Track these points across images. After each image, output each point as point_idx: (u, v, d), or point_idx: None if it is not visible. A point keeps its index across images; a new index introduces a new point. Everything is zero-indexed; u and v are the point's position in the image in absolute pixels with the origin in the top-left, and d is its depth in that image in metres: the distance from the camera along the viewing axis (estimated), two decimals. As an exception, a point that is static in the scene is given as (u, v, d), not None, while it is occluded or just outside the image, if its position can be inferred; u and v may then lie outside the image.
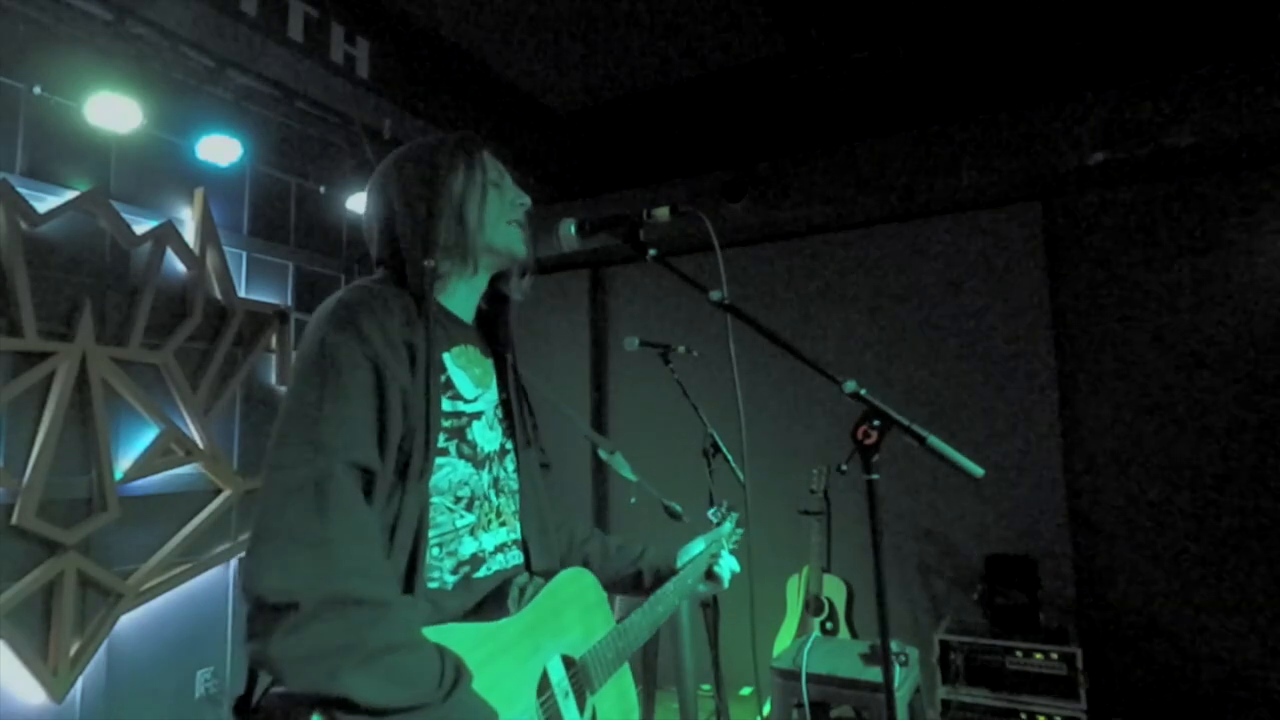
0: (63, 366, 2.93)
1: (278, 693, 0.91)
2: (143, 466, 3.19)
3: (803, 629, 3.44)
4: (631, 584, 1.48)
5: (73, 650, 2.92)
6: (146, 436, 3.25)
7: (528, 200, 1.25)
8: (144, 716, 3.21)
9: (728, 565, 1.57)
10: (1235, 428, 3.39)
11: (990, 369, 3.83)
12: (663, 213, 1.25)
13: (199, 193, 3.50)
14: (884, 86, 3.74)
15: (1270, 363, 3.34)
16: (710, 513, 1.74)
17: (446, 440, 1.09)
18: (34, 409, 2.90)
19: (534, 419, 1.36)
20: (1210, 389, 3.44)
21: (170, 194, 3.44)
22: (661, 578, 1.46)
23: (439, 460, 1.07)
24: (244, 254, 3.76)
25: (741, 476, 1.48)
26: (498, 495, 1.18)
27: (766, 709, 2.64)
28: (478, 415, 1.17)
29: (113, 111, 2.89)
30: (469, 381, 1.17)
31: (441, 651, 0.91)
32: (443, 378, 1.11)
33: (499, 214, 1.20)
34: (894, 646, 2.47)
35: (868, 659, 2.54)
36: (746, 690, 4.04)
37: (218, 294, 3.56)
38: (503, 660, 1.04)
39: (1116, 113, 3.31)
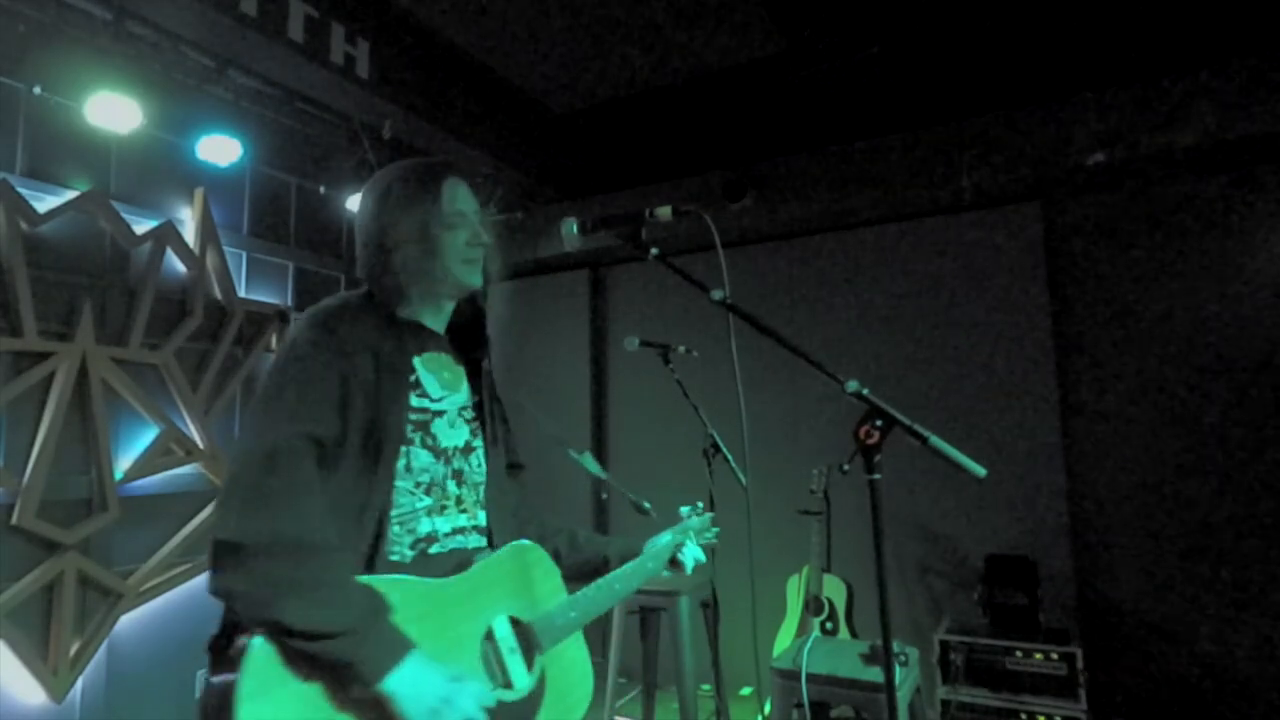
0: (63, 366, 2.93)
1: (231, 620, 1.06)
2: (143, 466, 3.19)
3: (803, 629, 3.44)
4: (599, 570, 1.58)
5: (73, 650, 2.92)
6: (146, 436, 3.25)
7: (488, 240, 1.35)
8: (144, 716, 3.21)
9: (691, 554, 1.69)
10: (1235, 427, 3.39)
11: (990, 369, 3.83)
12: (665, 212, 1.25)
13: (199, 193, 3.50)
14: (884, 86, 3.74)
15: (1270, 362, 3.34)
16: (683, 509, 1.81)
17: (413, 432, 1.24)
18: (34, 409, 2.90)
19: (506, 425, 1.51)
20: (1210, 388, 3.45)
21: (170, 194, 3.44)
22: (626, 563, 1.59)
23: (404, 448, 1.22)
24: (244, 254, 3.76)
25: (742, 476, 1.50)
26: (459, 485, 1.32)
27: (766, 709, 2.64)
28: (440, 414, 1.31)
29: (113, 111, 2.89)
30: (436, 384, 1.31)
31: (368, 589, 1.06)
32: (412, 378, 1.27)
33: (455, 250, 1.31)
34: (894, 646, 2.47)
35: (868, 659, 2.54)
36: (746, 690, 4.04)
37: (218, 294, 3.56)
38: (448, 613, 1.18)
39: (1116, 113, 3.31)
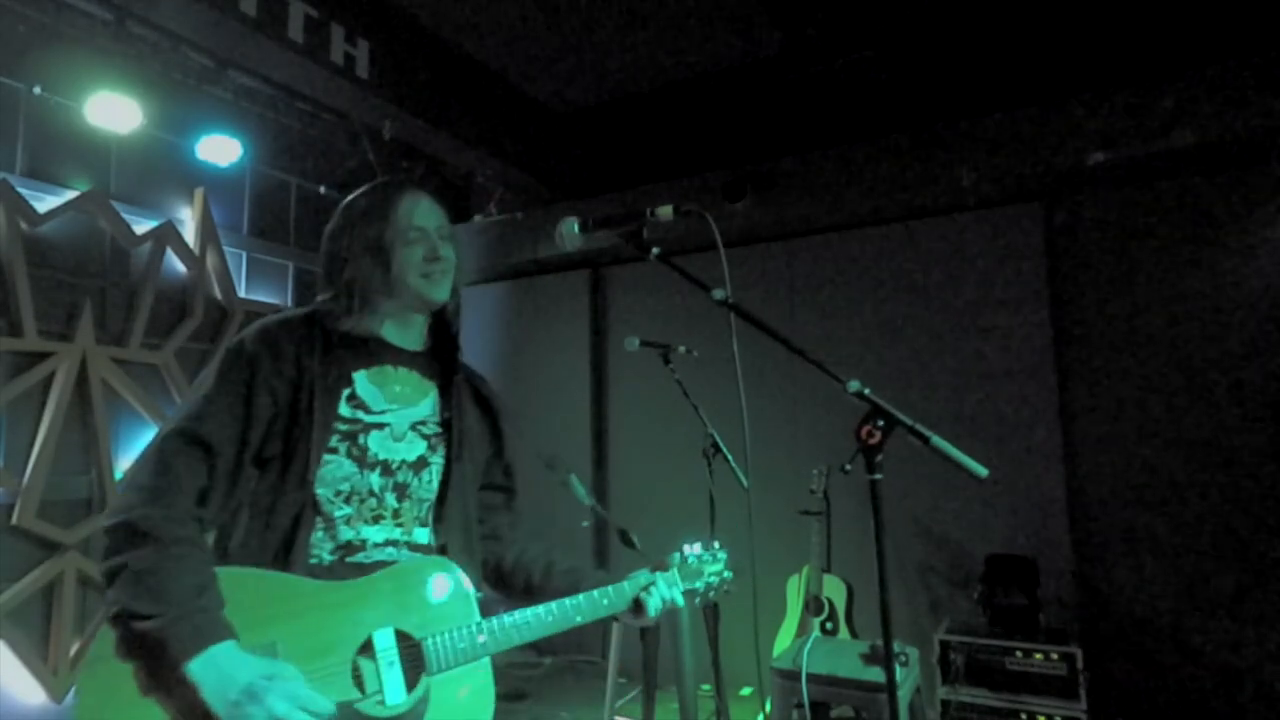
0: (63, 366, 2.93)
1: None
2: (143, 466, 3.19)
3: (803, 629, 3.44)
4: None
5: (73, 650, 2.92)
6: (146, 436, 3.24)
7: (446, 254, 1.35)
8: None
9: (659, 595, 1.44)
10: (1235, 427, 3.39)
11: (990, 369, 3.83)
12: (666, 211, 1.24)
13: (199, 193, 3.50)
14: (884, 86, 3.74)
15: (1270, 362, 3.35)
16: (684, 548, 1.55)
17: (338, 441, 1.26)
18: (34, 409, 2.90)
19: (497, 445, 1.49)
20: (1210, 388, 3.45)
21: (170, 194, 3.44)
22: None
23: (326, 457, 1.24)
24: (244, 254, 3.76)
25: (742, 477, 1.45)
26: (400, 499, 1.31)
27: (766, 709, 2.64)
28: (380, 426, 1.31)
29: (113, 111, 2.89)
30: (380, 396, 1.32)
31: (204, 583, 1.10)
32: (346, 391, 1.29)
33: (413, 265, 1.33)
34: (894, 646, 2.47)
35: (868, 659, 2.54)
36: (746, 690, 4.04)
37: (218, 294, 3.56)
38: (324, 615, 1.17)
39: (1116, 113, 3.31)
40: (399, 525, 1.30)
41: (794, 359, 1.16)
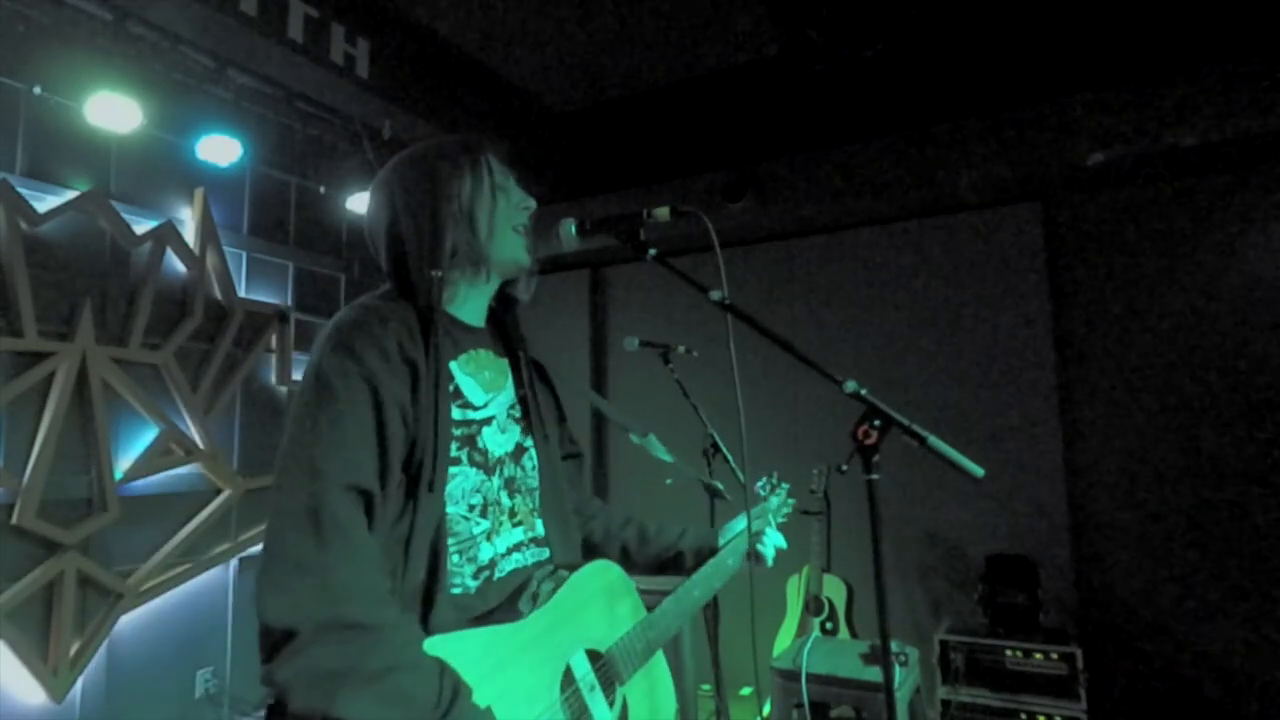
0: (63, 366, 2.93)
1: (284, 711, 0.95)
2: (143, 466, 3.19)
3: (803, 629, 3.44)
4: (673, 566, 1.46)
5: (73, 650, 2.92)
6: (146, 436, 3.25)
7: (533, 203, 1.26)
8: (144, 716, 3.21)
9: (772, 542, 1.51)
10: (1235, 427, 3.39)
11: (990, 369, 3.83)
12: (663, 213, 1.24)
13: (199, 193, 3.50)
14: (883, 86, 3.74)
15: (1270, 362, 3.34)
16: (759, 484, 1.66)
17: (459, 449, 1.10)
18: (34, 409, 2.90)
19: (560, 413, 1.39)
20: (1210, 388, 3.44)
21: (170, 194, 3.44)
22: (703, 558, 1.44)
23: (452, 470, 1.08)
24: (244, 254, 3.76)
25: (742, 477, 1.46)
26: (511, 496, 1.19)
27: (766, 709, 2.64)
28: (488, 421, 1.18)
29: (113, 111, 2.89)
30: (478, 387, 1.18)
31: (441, 669, 0.92)
32: (450, 387, 1.12)
33: (506, 220, 1.20)
34: (894, 646, 2.47)
35: (868, 659, 2.54)
36: (746, 690, 4.04)
37: (218, 294, 3.56)
38: (523, 660, 1.05)
39: (1116, 113, 3.31)
40: (518, 524, 1.19)
41: (794, 359, 1.16)
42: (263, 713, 0.99)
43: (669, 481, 1.90)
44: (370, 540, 0.97)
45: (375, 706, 0.85)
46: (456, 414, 1.12)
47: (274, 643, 0.87)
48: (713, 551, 1.46)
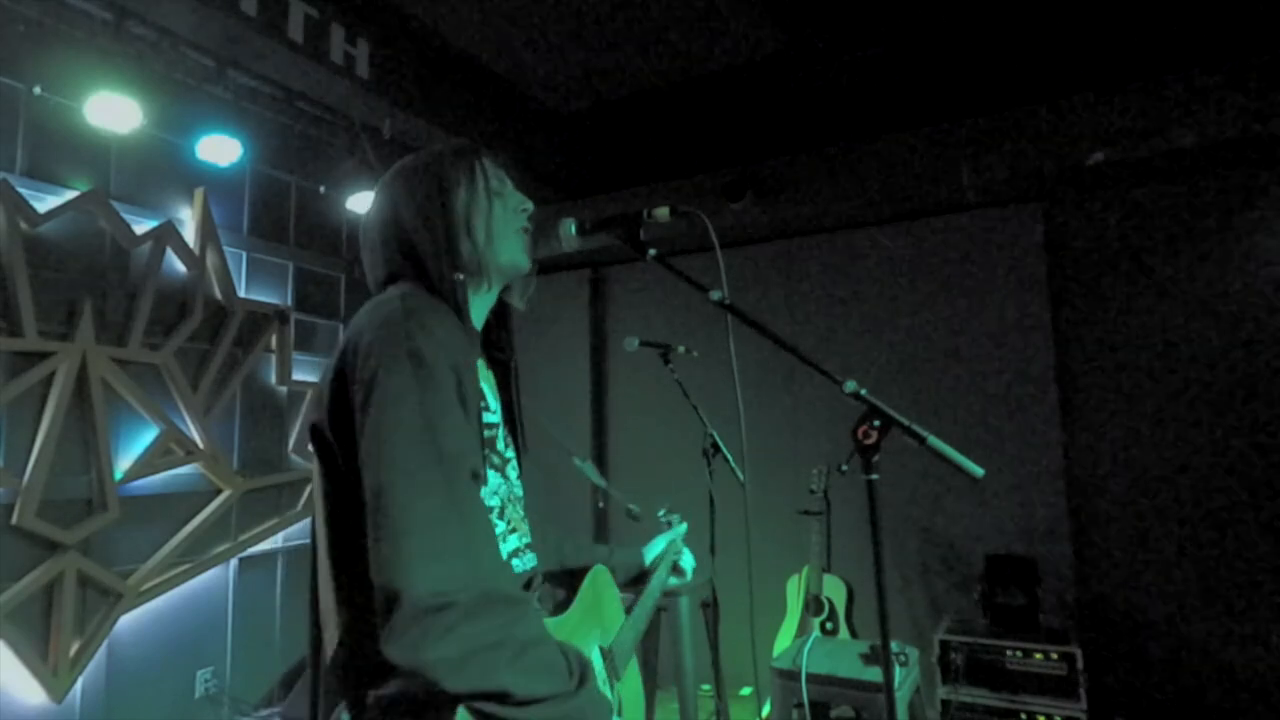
0: (63, 366, 2.93)
1: (397, 695, 0.90)
2: (143, 466, 3.19)
3: (803, 629, 3.44)
4: None
5: (73, 650, 2.92)
6: (146, 436, 3.25)
7: (530, 205, 1.24)
8: (144, 716, 3.21)
9: (688, 560, 1.71)
10: (1235, 427, 3.39)
11: (990, 369, 3.83)
12: (663, 213, 1.24)
13: (199, 193, 3.50)
14: (884, 86, 3.74)
15: (1270, 363, 3.34)
16: (659, 514, 1.81)
17: (488, 450, 1.11)
18: (34, 409, 2.90)
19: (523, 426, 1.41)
20: (1210, 388, 3.44)
21: (170, 194, 3.44)
22: (633, 574, 1.59)
23: (485, 470, 1.09)
24: (244, 254, 3.76)
25: (741, 476, 1.49)
26: (510, 502, 1.22)
27: (766, 709, 2.64)
28: (499, 426, 1.20)
29: (113, 111, 2.89)
30: (490, 393, 1.19)
31: (563, 645, 0.95)
32: (481, 389, 1.14)
33: (504, 225, 1.19)
34: (894, 646, 2.47)
35: (868, 659, 2.54)
36: (746, 690, 4.04)
37: (218, 294, 3.56)
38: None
39: (1116, 113, 3.31)
40: (515, 531, 1.20)
41: (794, 359, 1.16)
42: (264, 712, 0.97)
43: (600, 505, 2.17)
44: (488, 519, 0.98)
45: (528, 676, 0.86)
46: (485, 416, 1.12)
47: (422, 619, 0.83)
48: (641, 567, 1.61)
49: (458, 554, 0.88)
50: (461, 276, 1.12)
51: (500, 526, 1.13)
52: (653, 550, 1.64)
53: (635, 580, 1.57)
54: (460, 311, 1.10)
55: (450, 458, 0.92)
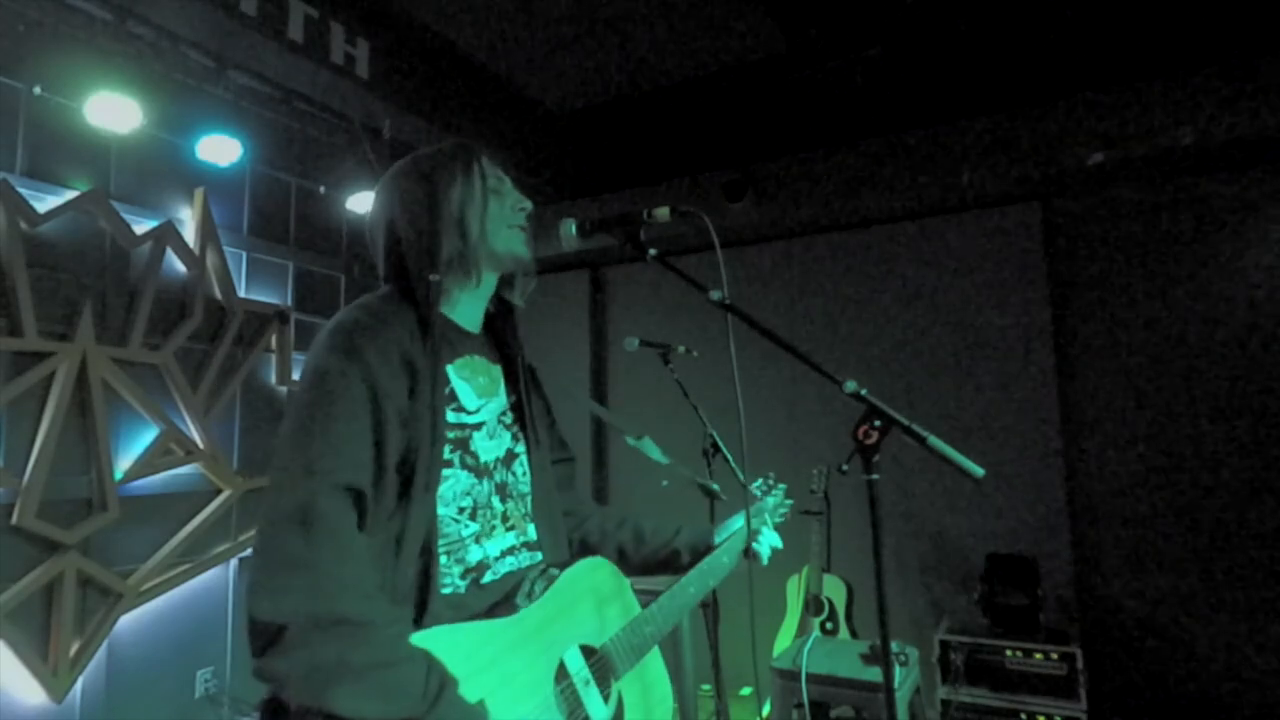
0: (63, 366, 2.93)
1: (274, 702, 0.96)
2: (143, 466, 3.19)
3: (803, 629, 3.44)
4: (670, 565, 1.48)
5: (73, 650, 2.92)
6: (146, 436, 3.25)
7: (529, 204, 1.26)
8: (144, 716, 3.21)
9: (768, 541, 1.55)
10: (1235, 427, 3.39)
11: (990, 369, 3.83)
12: (663, 213, 1.24)
13: (199, 193, 3.50)
14: (884, 86, 3.74)
15: (1270, 363, 3.34)
16: (756, 485, 1.68)
17: (451, 452, 1.12)
18: (34, 409, 2.90)
19: (551, 417, 1.41)
20: (1210, 389, 3.44)
21: (170, 194, 3.44)
22: (699, 556, 1.46)
23: (445, 472, 1.10)
24: (244, 254, 3.76)
25: (742, 477, 1.47)
26: (503, 501, 1.20)
27: (766, 709, 2.64)
28: (479, 426, 1.19)
29: (113, 111, 2.88)
30: (472, 392, 1.19)
31: (429, 663, 0.94)
32: (446, 390, 1.13)
33: (500, 220, 1.21)
34: (894, 646, 2.47)
35: (868, 659, 2.54)
36: (746, 690, 4.04)
37: (218, 294, 3.56)
38: (518, 654, 1.08)
39: (1116, 113, 3.31)
40: (511, 529, 1.20)
41: (794, 359, 1.16)
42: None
43: (665, 483, 1.92)
44: (360, 538, 0.98)
45: (365, 700, 0.87)
46: (451, 417, 1.13)
47: (265, 639, 0.88)
48: (709, 549, 1.48)
49: (299, 578, 0.90)
50: (437, 277, 1.14)
51: (471, 527, 1.13)
52: (727, 529, 1.52)
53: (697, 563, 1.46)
54: (425, 316, 1.12)
55: (318, 474, 0.95)
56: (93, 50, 2.83)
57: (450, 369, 1.16)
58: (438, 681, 0.93)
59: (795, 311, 4.33)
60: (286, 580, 0.90)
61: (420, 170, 1.21)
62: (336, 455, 0.97)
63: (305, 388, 1.03)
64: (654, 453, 1.73)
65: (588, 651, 1.19)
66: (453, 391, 1.15)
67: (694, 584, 1.41)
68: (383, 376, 1.03)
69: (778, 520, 1.67)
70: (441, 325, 1.16)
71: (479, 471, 1.17)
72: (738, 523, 1.53)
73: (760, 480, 1.70)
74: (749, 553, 1.51)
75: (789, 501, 1.70)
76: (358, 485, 0.98)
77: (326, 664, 0.87)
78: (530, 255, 1.26)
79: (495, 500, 1.19)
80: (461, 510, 1.13)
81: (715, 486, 1.83)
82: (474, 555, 1.13)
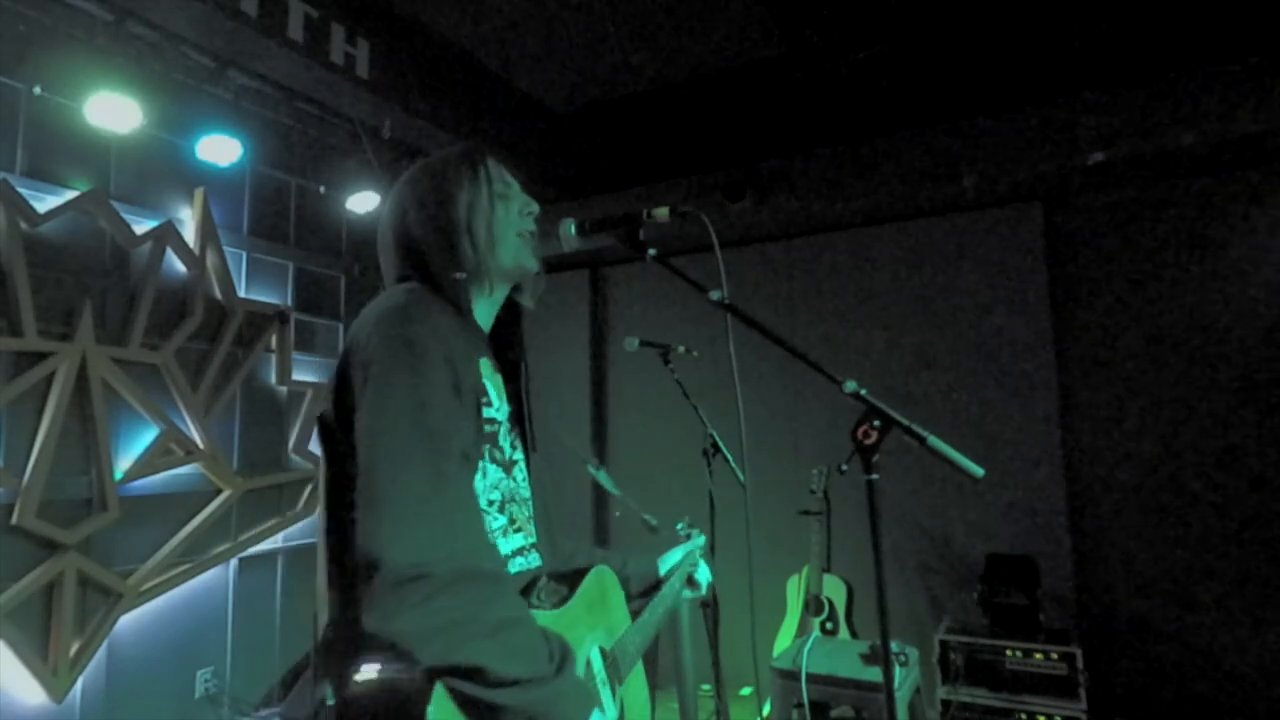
0: (63, 366, 2.93)
1: (381, 671, 0.89)
2: (143, 466, 3.19)
3: (803, 629, 3.44)
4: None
5: (73, 650, 2.92)
6: (146, 436, 3.25)
7: (536, 207, 1.26)
8: (144, 716, 3.21)
9: (704, 573, 1.69)
10: (1235, 427, 3.39)
11: (990, 369, 3.83)
12: (662, 213, 1.24)
13: (199, 193, 3.50)
14: (884, 86, 3.74)
15: (1270, 362, 3.34)
16: (678, 526, 1.80)
17: (485, 444, 1.12)
18: (34, 409, 2.90)
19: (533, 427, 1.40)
20: (1210, 388, 3.44)
21: (170, 194, 3.44)
22: (647, 584, 1.55)
23: (480, 463, 1.10)
24: (244, 254, 3.76)
25: (741, 476, 1.49)
26: (513, 502, 1.22)
27: (766, 709, 2.64)
28: (501, 424, 1.20)
29: (113, 111, 2.88)
30: (494, 391, 1.19)
31: (545, 631, 0.95)
32: (481, 384, 1.15)
33: (507, 228, 1.21)
34: (894, 646, 2.47)
35: (868, 659, 2.54)
36: (746, 690, 4.04)
37: (218, 294, 3.56)
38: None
39: (1116, 113, 3.31)
40: (518, 530, 1.20)
41: (794, 359, 1.16)
42: (264, 712, 0.97)
43: (617, 514, 2.08)
44: (473, 497, 0.99)
45: (501, 655, 0.86)
46: (485, 412, 1.13)
47: (397, 589, 0.84)
48: (655, 577, 1.58)
49: (437, 527, 0.89)
50: (463, 276, 1.15)
51: (500, 520, 1.14)
52: (669, 561, 1.61)
53: (649, 590, 1.53)
54: (462, 310, 1.13)
55: (438, 436, 0.94)
56: (93, 50, 2.83)
57: (482, 362, 1.17)
58: (560, 647, 0.94)
59: (795, 311, 4.33)
60: (425, 528, 0.88)
61: (433, 174, 1.21)
62: (452, 420, 0.98)
63: (395, 353, 0.99)
64: (607, 484, 1.81)
65: (603, 654, 1.23)
66: (484, 386, 1.15)
67: (662, 604, 1.50)
68: (456, 356, 1.03)
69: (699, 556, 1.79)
70: (473, 323, 1.18)
71: (505, 466, 1.18)
72: (675, 556, 1.64)
73: (680, 524, 1.82)
74: (691, 581, 1.65)
75: (702, 538, 1.81)
76: (467, 451, 1.00)
77: (467, 617, 0.86)
78: (538, 267, 1.26)
79: (512, 500, 1.21)
80: (491, 503, 1.13)
81: (654, 522, 2.03)
82: (503, 548, 1.13)
